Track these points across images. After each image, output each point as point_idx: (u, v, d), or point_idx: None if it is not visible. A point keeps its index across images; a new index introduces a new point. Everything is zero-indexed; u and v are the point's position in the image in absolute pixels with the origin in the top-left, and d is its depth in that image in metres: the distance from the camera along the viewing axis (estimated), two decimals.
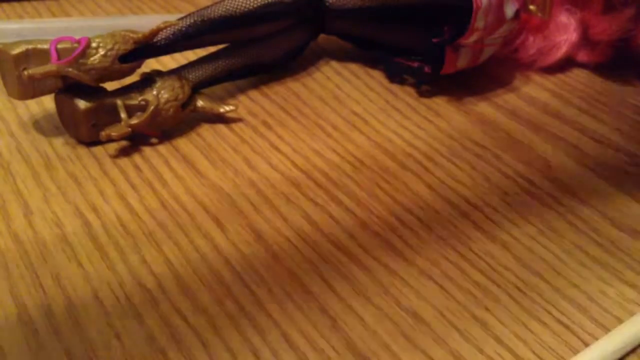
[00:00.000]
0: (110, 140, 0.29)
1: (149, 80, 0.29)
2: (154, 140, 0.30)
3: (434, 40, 0.31)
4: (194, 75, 0.31)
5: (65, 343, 0.21)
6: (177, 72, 0.30)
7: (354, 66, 0.36)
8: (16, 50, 0.27)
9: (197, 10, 0.30)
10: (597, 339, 0.22)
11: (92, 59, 0.27)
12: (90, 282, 0.23)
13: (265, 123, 0.31)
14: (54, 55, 0.27)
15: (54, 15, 0.40)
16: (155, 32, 0.29)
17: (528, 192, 0.27)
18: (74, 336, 0.21)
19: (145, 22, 0.32)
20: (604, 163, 0.29)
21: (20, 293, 0.22)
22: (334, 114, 0.32)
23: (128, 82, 0.30)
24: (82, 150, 0.29)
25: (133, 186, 0.27)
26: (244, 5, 0.30)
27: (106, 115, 0.28)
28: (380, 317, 0.22)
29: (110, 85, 0.29)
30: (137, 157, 0.29)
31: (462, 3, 0.29)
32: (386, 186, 0.28)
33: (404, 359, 0.21)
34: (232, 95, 0.33)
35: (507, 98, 0.34)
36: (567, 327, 0.22)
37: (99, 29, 0.30)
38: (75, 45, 0.27)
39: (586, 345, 0.21)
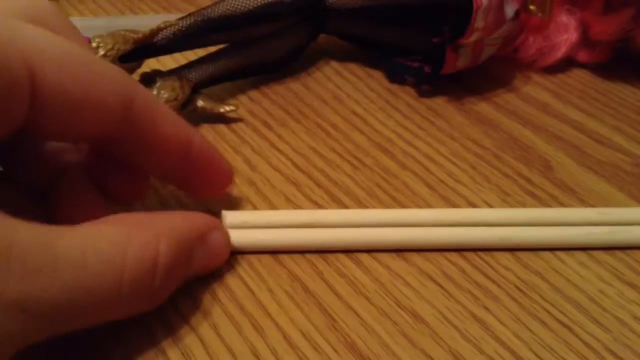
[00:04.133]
0: None
1: (148, 80, 0.29)
2: None
3: (434, 40, 0.31)
4: (194, 75, 0.31)
5: None
6: (177, 72, 0.30)
7: (354, 66, 0.36)
8: None
9: (197, 10, 0.30)
10: (597, 339, 0.22)
11: None
12: None
13: (265, 123, 0.31)
14: None
15: None
16: (155, 32, 0.29)
17: (528, 192, 0.27)
18: None
19: (145, 22, 0.32)
20: (604, 163, 0.29)
21: None
22: (334, 113, 0.32)
23: None
24: None
25: None
26: (244, 5, 0.30)
27: None
28: (380, 317, 0.22)
29: None
30: None
31: (462, 3, 0.29)
32: (386, 186, 0.28)
33: (404, 359, 0.21)
34: (232, 95, 0.33)
35: (507, 98, 0.34)
36: (567, 327, 0.22)
37: (99, 29, 0.29)
38: None
39: (586, 345, 0.21)
